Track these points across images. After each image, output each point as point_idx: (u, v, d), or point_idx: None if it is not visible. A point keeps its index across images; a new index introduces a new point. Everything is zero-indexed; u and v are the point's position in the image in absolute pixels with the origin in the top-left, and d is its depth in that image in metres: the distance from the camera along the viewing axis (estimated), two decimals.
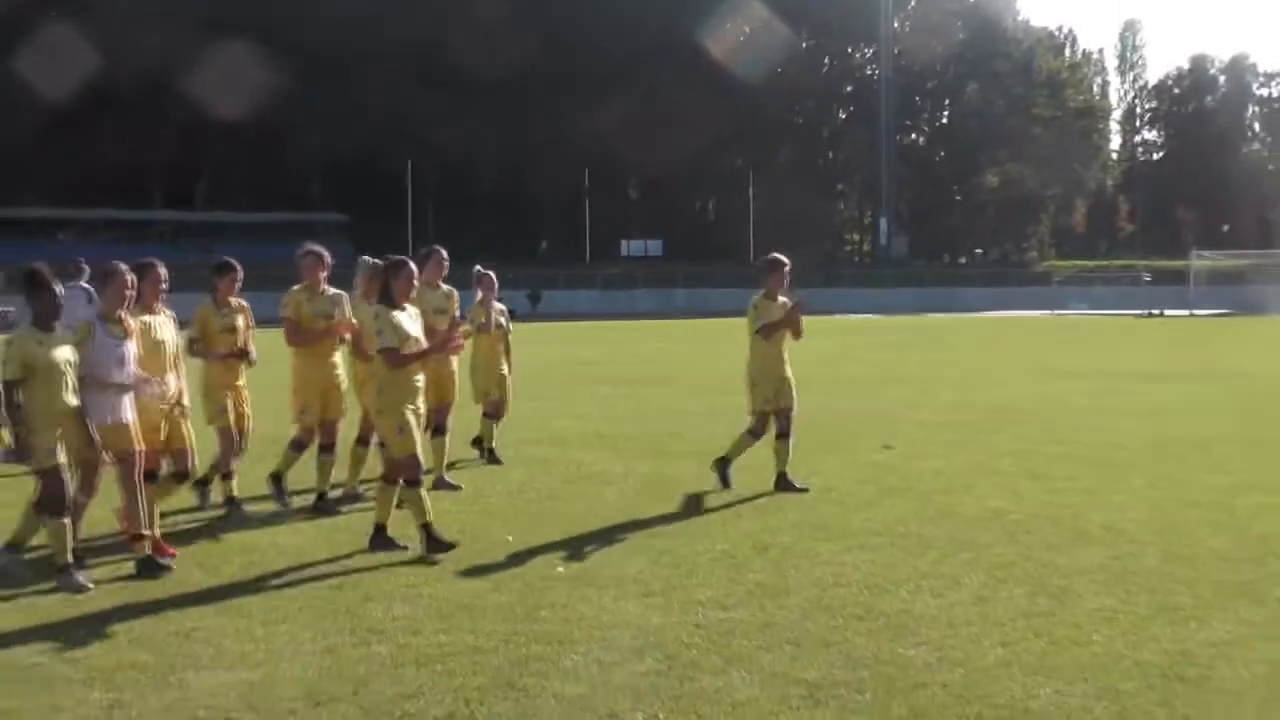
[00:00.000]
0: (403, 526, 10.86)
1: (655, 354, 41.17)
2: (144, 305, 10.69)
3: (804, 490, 13.58)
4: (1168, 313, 76.85)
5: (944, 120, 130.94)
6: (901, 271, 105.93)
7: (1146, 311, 78.13)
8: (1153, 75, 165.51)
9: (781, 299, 13.89)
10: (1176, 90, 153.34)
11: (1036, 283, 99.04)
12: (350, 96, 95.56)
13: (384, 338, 10.55)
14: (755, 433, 13.86)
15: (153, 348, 10.59)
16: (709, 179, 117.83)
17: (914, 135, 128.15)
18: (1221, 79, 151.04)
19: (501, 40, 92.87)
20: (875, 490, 13.85)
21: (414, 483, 10.63)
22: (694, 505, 12.87)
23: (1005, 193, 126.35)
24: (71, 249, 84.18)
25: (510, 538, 11.33)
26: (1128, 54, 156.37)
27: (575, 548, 11.00)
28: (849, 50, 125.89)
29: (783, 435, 13.82)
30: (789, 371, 13.91)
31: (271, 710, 6.99)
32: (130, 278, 10.21)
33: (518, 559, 10.57)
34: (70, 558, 9.54)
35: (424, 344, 10.90)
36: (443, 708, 6.94)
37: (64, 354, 9.52)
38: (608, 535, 11.52)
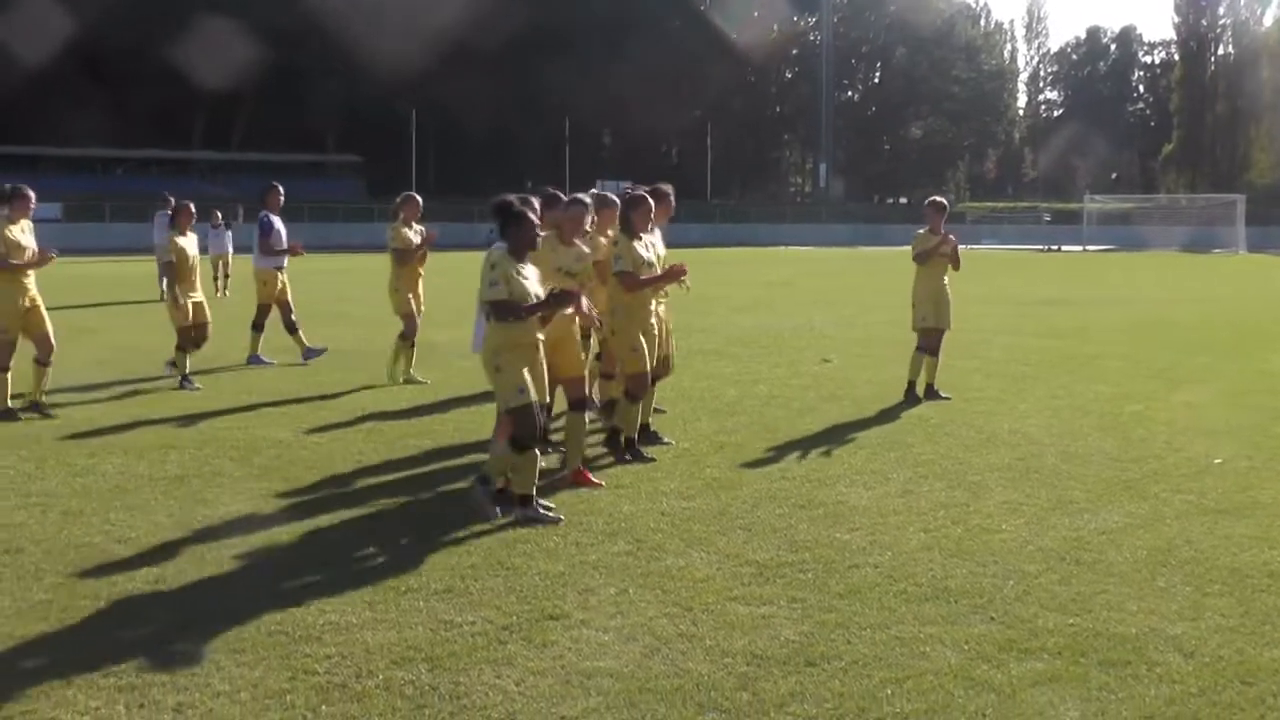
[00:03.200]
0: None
1: None
2: None
3: (948, 399, 13.54)
4: (1064, 248, 76.77)
5: (876, 80, 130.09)
6: (837, 209, 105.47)
7: (1046, 247, 78.03)
8: (1054, 43, 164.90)
9: (944, 233, 13.95)
10: (1074, 56, 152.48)
11: (953, 220, 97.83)
12: (363, 54, 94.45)
13: (621, 263, 10.03)
14: (923, 348, 13.77)
15: None
16: (672, 128, 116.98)
17: (850, 93, 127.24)
18: (1113, 47, 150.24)
19: (493, 6, 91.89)
20: (816, 397, 13.82)
21: (635, 398, 10.27)
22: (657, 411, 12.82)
23: (927, 143, 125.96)
24: (126, 183, 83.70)
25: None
26: (1033, 24, 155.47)
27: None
28: (794, 19, 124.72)
29: (932, 352, 13.72)
30: (949, 295, 13.92)
31: (294, 580, 6.93)
32: None
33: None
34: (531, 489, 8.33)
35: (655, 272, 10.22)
36: (442, 583, 6.87)
37: (536, 288, 8.29)
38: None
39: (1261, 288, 37.89)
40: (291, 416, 12.39)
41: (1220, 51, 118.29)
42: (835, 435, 11.47)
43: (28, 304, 12.08)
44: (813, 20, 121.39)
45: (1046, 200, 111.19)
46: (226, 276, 30.24)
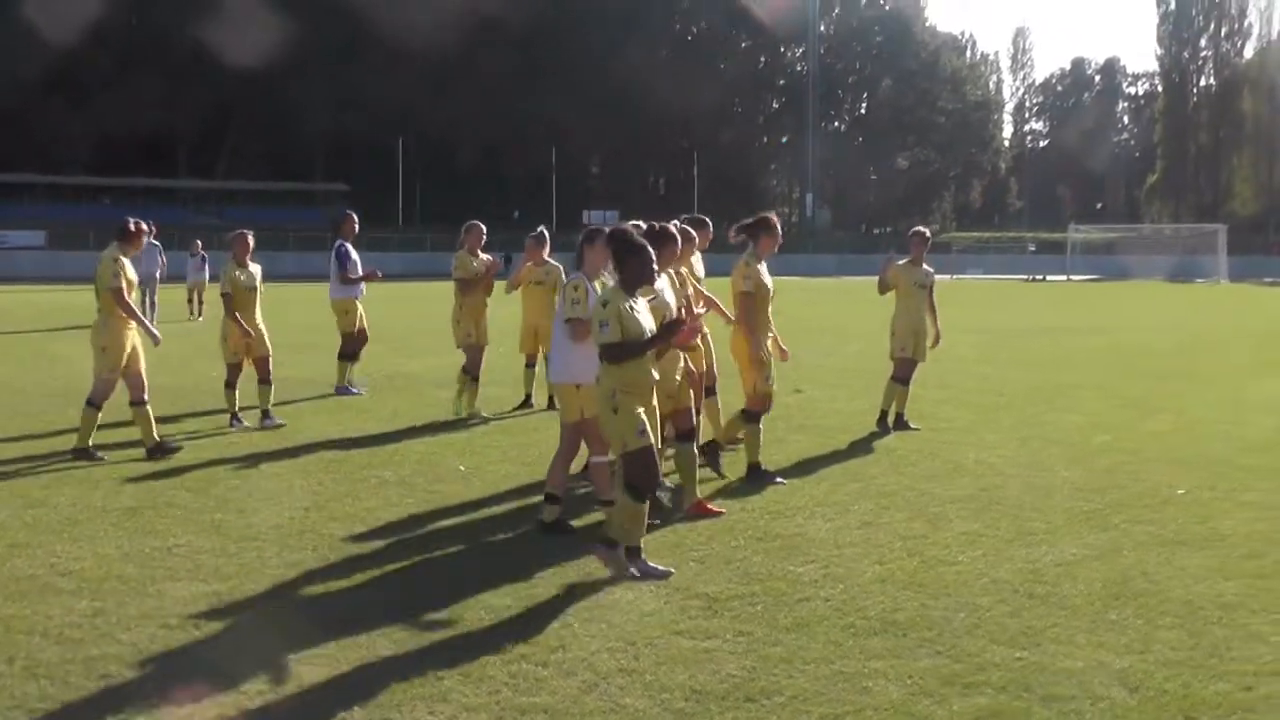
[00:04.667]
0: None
1: None
2: None
3: (917, 429, 13.52)
4: (1049, 278, 76.91)
5: (862, 110, 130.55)
6: (824, 239, 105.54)
7: (1030, 277, 78.18)
8: (1040, 74, 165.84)
9: (925, 266, 14.04)
10: (1059, 87, 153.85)
11: (938, 250, 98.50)
12: (351, 82, 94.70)
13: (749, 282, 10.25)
14: (898, 377, 13.77)
15: None
16: (660, 158, 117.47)
17: (836, 123, 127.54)
18: (1097, 78, 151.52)
19: (479, 38, 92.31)
20: (785, 428, 13.70)
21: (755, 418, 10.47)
22: None
23: (914, 173, 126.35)
24: (112, 210, 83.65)
25: (462, 467, 11.17)
26: (1019, 56, 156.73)
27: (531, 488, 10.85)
28: (782, 49, 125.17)
29: (904, 381, 13.69)
30: (925, 327, 13.90)
31: (233, 615, 6.82)
32: None
33: (469, 489, 10.41)
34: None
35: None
36: (384, 618, 6.74)
37: (649, 321, 7.81)
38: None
39: (1239, 317, 37.92)
40: (256, 446, 12.28)
41: (1202, 83, 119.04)
42: (800, 467, 11.39)
43: (130, 345, 11.71)
44: (799, 51, 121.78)
45: (1032, 230, 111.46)
46: (201, 303, 32.32)
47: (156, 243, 30.06)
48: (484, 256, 15.05)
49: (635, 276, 7.73)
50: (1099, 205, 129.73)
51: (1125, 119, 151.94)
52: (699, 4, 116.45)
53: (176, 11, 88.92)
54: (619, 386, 7.56)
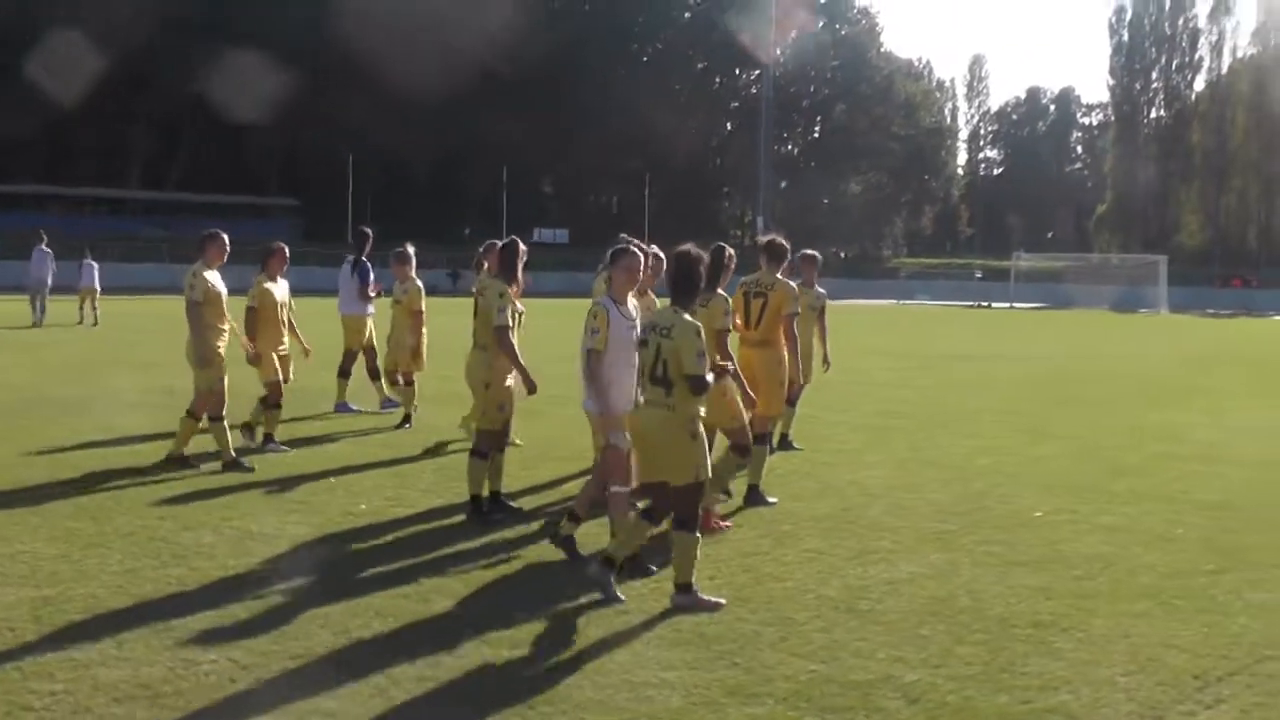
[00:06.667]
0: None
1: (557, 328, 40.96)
2: None
3: (800, 449, 13.73)
4: (994, 305, 77.54)
5: (815, 134, 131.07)
6: None
7: (976, 304, 78.82)
8: (995, 102, 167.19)
9: (818, 288, 14.25)
10: (1014, 116, 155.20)
11: (887, 276, 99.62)
12: (304, 97, 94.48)
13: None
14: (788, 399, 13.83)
15: None
16: (613, 178, 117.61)
17: (790, 146, 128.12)
18: (1051, 108, 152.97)
19: (432, 53, 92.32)
20: None
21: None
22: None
23: (866, 198, 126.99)
24: (61, 221, 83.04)
25: (363, 505, 11.22)
26: (974, 83, 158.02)
27: (383, 490, 10.93)
28: (737, 72, 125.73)
29: (792, 403, 13.58)
30: (813, 350, 14.02)
31: (53, 621, 6.88)
32: None
33: (331, 499, 10.48)
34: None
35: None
36: (204, 623, 6.84)
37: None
38: (427, 483, 11.46)
39: (1170, 346, 38.34)
40: (139, 459, 12.30)
41: (1153, 114, 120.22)
42: None
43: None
44: (754, 74, 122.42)
45: (983, 257, 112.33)
46: (94, 309, 33.53)
47: (48, 249, 33.52)
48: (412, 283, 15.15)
49: (691, 304, 7.76)
50: (1049, 234, 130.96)
51: (1079, 149, 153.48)
52: (654, 25, 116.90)
53: (129, 23, 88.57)
54: (696, 414, 7.55)
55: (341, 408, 16.10)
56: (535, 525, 9.62)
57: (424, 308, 15.15)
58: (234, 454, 11.68)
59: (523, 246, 10.59)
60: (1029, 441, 15.19)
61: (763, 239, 11.03)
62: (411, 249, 15.42)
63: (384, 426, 14.85)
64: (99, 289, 34.25)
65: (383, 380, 16.05)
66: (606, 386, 8.17)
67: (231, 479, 11.12)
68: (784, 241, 11.21)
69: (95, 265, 34.66)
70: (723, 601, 7.45)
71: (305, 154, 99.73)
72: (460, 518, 9.77)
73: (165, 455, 11.67)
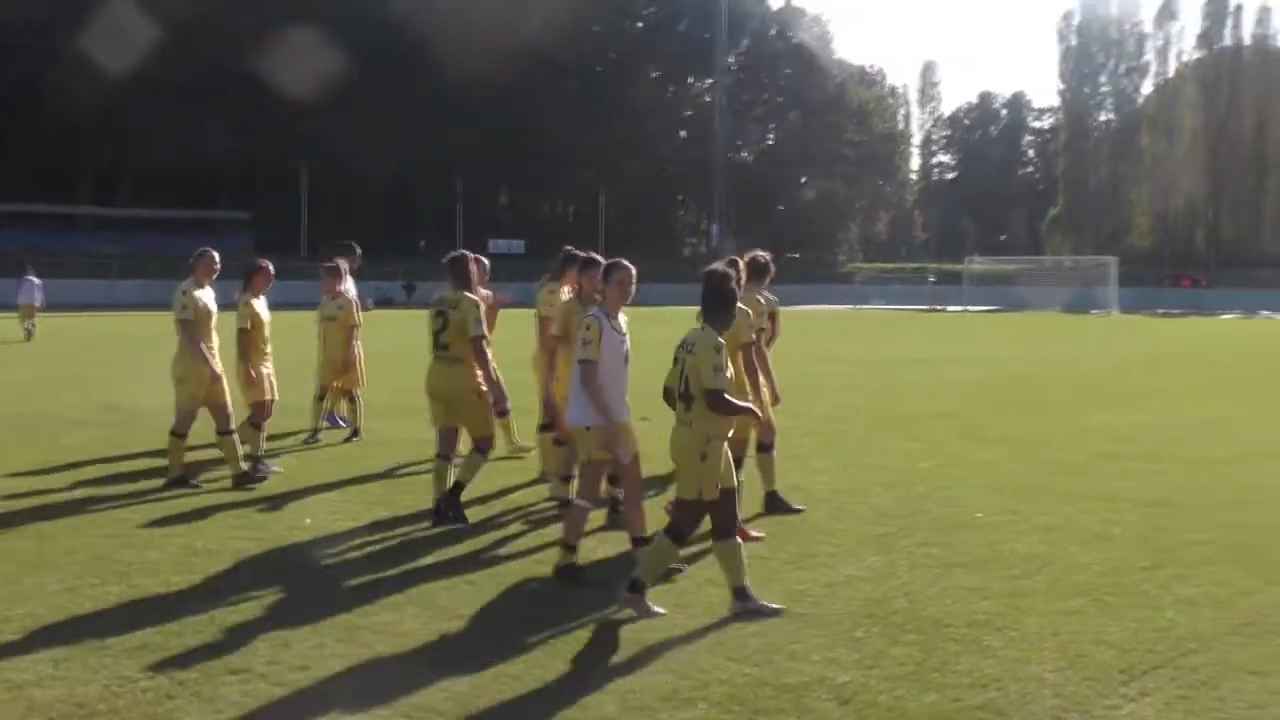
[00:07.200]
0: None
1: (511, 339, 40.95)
2: None
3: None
4: (948, 309, 78.02)
5: (769, 142, 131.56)
6: None
7: (930, 307, 79.28)
8: (947, 107, 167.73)
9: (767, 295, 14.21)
10: (966, 121, 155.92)
11: (842, 281, 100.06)
12: (257, 108, 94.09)
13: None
14: None
15: None
16: (568, 187, 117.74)
17: (744, 154, 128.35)
18: (1004, 112, 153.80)
19: (385, 65, 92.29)
20: None
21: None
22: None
23: (820, 204, 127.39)
24: (7, 237, 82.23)
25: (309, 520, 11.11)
26: (927, 89, 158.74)
27: (329, 504, 10.96)
28: (689, 81, 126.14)
29: None
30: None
31: None
32: None
33: (277, 514, 10.50)
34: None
35: None
36: (140, 640, 6.87)
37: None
38: (373, 496, 11.50)
39: (1121, 347, 38.67)
40: (82, 477, 12.28)
41: (1102, 118, 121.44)
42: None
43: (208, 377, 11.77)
44: (707, 82, 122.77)
45: (937, 261, 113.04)
46: (32, 324, 34.29)
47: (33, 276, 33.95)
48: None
49: (725, 321, 7.89)
50: (1003, 237, 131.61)
51: (1030, 152, 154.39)
52: (608, 34, 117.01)
53: (79, 35, 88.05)
54: (713, 433, 7.55)
55: (329, 419, 16.07)
56: (490, 536, 9.66)
57: (360, 321, 15.15)
58: (183, 472, 11.68)
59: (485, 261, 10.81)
60: (974, 445, 15.34)
61: (745, 256, 10.98)
62: (343, 262, 15.32)
63: (333, 441, 14.87)
64: (39, 304, 35.05)
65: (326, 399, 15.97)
66: (600, 394, 8.29)
67: (178, 496, 11.11)
68: (765, 256, 11.07)
69: (37, 281, 35.29)
70: (782, 608, 7.54)
71: (258, 167, 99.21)
72: (405, 530, 9.83)
73: (164, 482, 11.59)
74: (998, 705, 6.04)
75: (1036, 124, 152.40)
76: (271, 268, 13.19)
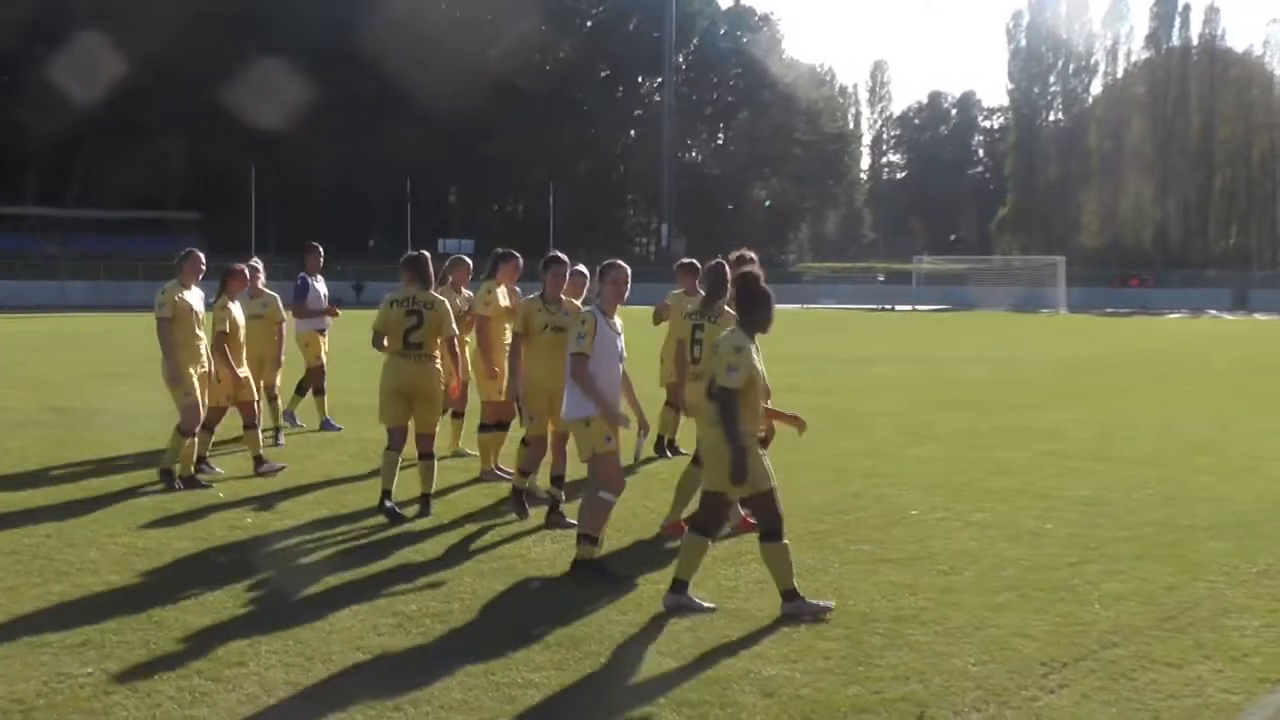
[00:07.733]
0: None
1: None
2: None
3: (686, 454, 13.36)
4: (897, 308, 78.57)
5: (719, 141, 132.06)
6: None
7: (879, 307, 79.83)
8: (897, 107, 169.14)
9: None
10: (917, 121, 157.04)
11: (791, 280, 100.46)
12: (206, 108, 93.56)
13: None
14: (672, 402, 13.97)
15: None
16: (518, 187, 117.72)
17: (694, 153, 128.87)
18: (953, 112, 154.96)
19: (335, 66, 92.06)
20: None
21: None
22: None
23: (770, 204, 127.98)
24: None
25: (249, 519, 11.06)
26: (877, 89, 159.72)
27: (269, 503, 11.05)
28: (639, 80, 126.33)
29: (675, 407, 13.79)
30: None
31: None
32: None
33: (217, 513, 10.58)
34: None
35: None
36: (82, 637, 6.97)
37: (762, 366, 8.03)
38: (314, 496, 11.59)
39: (1067, 346, 39.11)
40: (26, 478, 12.31)
41: (1051, 118, 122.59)
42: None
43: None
44: (656, 82, 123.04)
45: (887, 261, 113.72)
46: None
47: None
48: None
49: (758, 323, 8.00)
50: (952, 237, 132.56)
51: (980, 152, 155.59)
52: (557, 34, 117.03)
53: (24, 34, 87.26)
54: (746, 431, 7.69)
55: (288, 416, 16.09)
56: (431, 535, 9.79)
57: (285, 318, 15.19)
58: (192, 470, 11.89)
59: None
60: (912, 443, 15.58)
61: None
62: (259, 263, 15.14)
63: (294, 441, 14.92)
64: None
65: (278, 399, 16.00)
66: (593, 383, 8.49)
67: (118, 495, 11.19)
68: (752, 255, 11.12)
69: None
70: (830, 605, 7.69)
71: (207, 167, 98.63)
72: (345, 528, 9.95)
73: (179, 479, 11.68)
74: (919, 697, 6.23)
75: (986, 124, 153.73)
76: (248, 271, 13.35)
